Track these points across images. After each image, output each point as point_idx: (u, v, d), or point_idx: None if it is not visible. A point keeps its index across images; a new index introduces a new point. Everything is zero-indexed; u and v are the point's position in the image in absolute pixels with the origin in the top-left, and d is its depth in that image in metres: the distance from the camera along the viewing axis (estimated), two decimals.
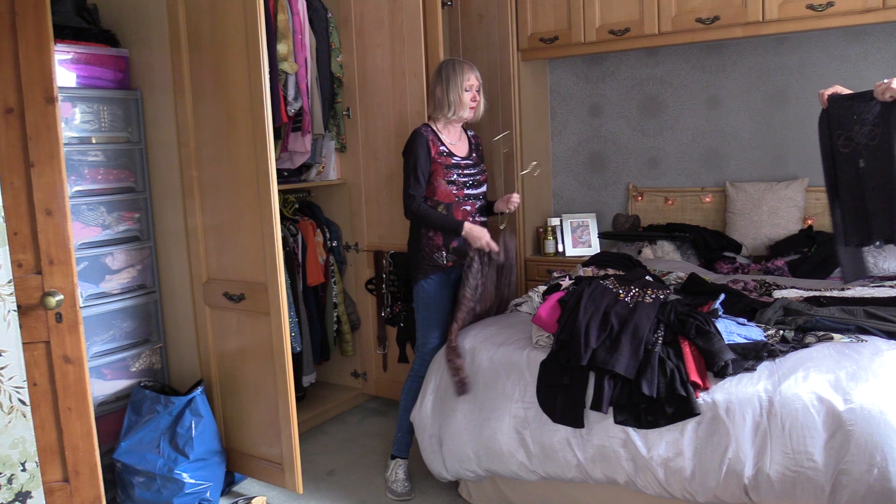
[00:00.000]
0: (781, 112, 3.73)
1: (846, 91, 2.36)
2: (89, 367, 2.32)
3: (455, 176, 2.88)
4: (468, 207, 2.91)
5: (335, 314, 3.66)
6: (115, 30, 2.92)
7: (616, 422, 2.23)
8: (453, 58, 3.01)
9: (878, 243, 2.41)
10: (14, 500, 1.82)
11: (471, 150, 3.00)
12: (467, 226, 2.82)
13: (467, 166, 2.93)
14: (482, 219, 2.99)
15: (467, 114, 2.89)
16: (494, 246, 2.84)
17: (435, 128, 2.92)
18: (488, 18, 3.93)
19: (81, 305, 2.39)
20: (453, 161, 2.89)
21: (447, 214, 2.87)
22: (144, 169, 2.94)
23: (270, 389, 2.66)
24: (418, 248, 2.90)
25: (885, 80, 2.22)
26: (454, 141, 2.95)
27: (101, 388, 2.81)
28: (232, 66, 2.56)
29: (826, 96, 2.39)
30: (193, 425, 2.69)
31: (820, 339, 2.29)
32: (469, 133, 3.05)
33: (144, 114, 2.92)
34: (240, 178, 2.61)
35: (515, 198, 2.99)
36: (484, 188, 3.01)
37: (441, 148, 2.88)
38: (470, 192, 2.92)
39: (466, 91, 2.86)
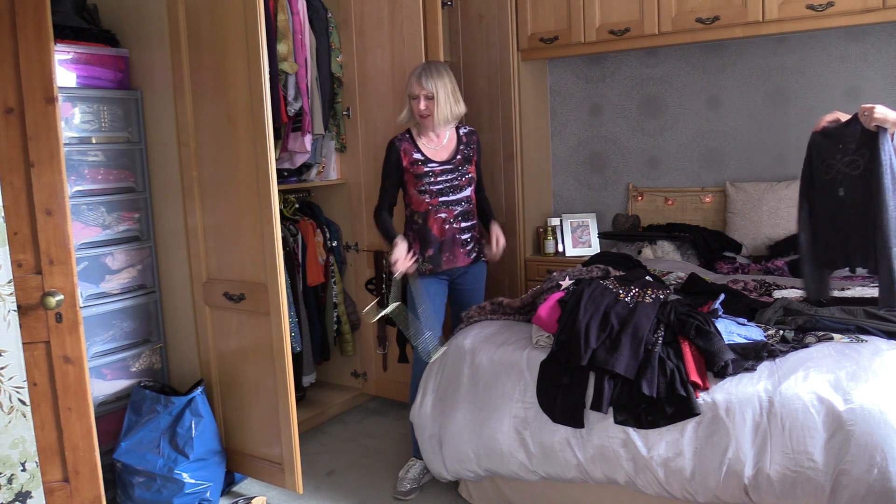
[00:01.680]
0: (781, 112, 3.73)
1: (845, 117, 2.35)
2: (89, 367, 2.32)
3: (426, 185, 2.87)
4: (444, 215, 2.89)
5: (335, 314, 3.66)
6: (115, 30, 2.92)
7: (616, 422, 2.23)
8: (430, 61, 3.01)
9: (858, 270, 2.41)
10: (14, 500, 1.82)
11: (455, 153, 2.94)
12: (395, 242, 2.84)
13: (443, 172, 2.89)
14: (466, 223, 2.96)
15: (415, 120, 2.90)
16: (399, 265, 2.80)
17: (414, 133, 2.93)
18: (488, 18, 3.93)
19: (81, 305, 2.39)
20: (426, 169, 2.87)
21: (389, 226, 2.92)
22: (144, 169, 2.94)
23: (270, 389, 2.66)
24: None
25: (869, 105, 2.19)
26: (436, 145, 2.93)
27: (101, 388, 2.81)
28: (232, 66, 2.56)
29: (822, 125, 2.39)
30: (193, 425, 2.69)
31: (820, 339, 2.29)
32: (461, 131, 3.00)
33: (144, 114, 2.92)
34: (240, 178, 2.61)
35: (500, 244, 3.00)
36: (466, 192, 2.95)
37: (415, 156, 2.89)
38: (446, 199, 2.90)
39: (413, 99, 2.86)
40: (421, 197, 2.88)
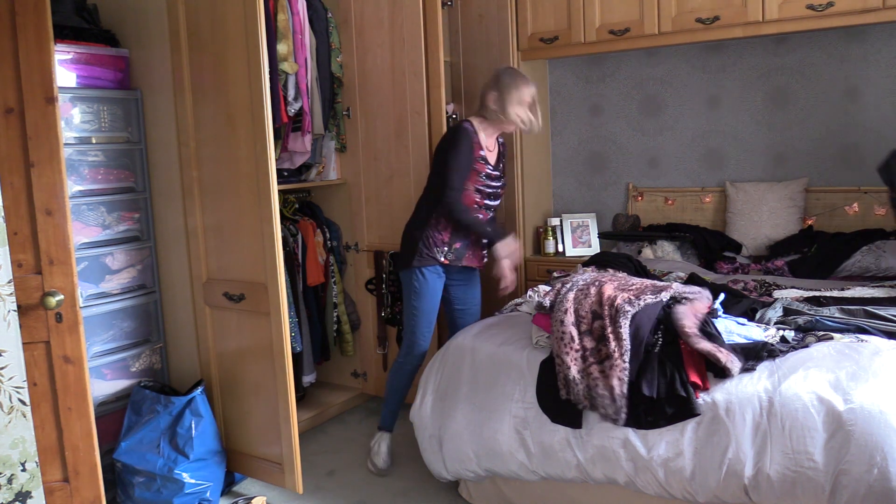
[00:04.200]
0: (781, 112, 3.73)
1: None
2: (89, 367, 2.32)
3: (483, 185, 2.88)
4: (481, 216, 2.93)
5: (335, 314, 3.66)
6: (115, 30, 2.92)
7: None
8: (512, 67, 3.05)
9: None
10: (14, 500, 1.82)
11: (498, 160, 2.99)
12: (506, 240, 2.87)
13: (494, 177, 2.94)
14: None
15: (513, 128, 2.91)
16: (506, 276, 2.88)
17: (476, 127, 2.90)
18: (488, 18, 3.93)
19: (81, 305, 2.39)
20: (487, 169, 2.89)
21: (487, 225, 2.90)
22: (144, 169, 2.94)
23: (270, 389, 2.66)
24: (420, 237, 2.89)
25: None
26: (490, 148, 2.94)
27: (101, 388, 2.81)
28: (232, 66, 2.56)
29: None
30: (193, 425, 2.69)
31: (820, 339, 2.29)
32: (500, 140, 3.04)
33: (144, 114, 2.92)
34: (240, 178, 2.61)
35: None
36: (499, 202, 3.03)
37: (480, 152, 2.88)
38: (488, 202, 2.94)
39: (523, 105, 2.85)
40: (474, 195, 2.87)
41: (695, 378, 2.16)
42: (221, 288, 2.75)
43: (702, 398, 2.14)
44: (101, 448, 2.31)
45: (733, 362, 2.12)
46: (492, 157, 2.94)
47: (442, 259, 2.91)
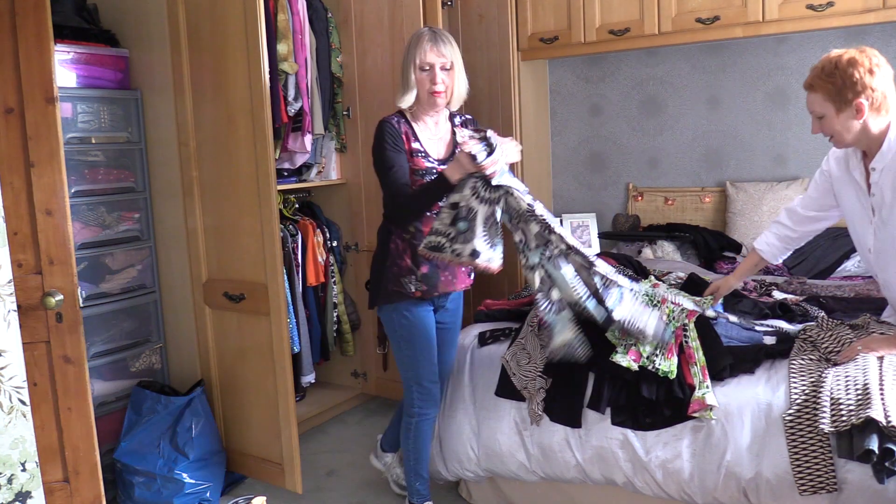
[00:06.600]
0: (781, 112, 3.72)
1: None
2: (89, 367, 2.32)
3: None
4: None
5: (335, 314, 3.66)
6: (115, 30, 2.93)
7: (614, 423, 2.24)
8: (427, 27, 2.40)
9: None
10: (14, 500, 1.83)
11: (454, 147, 2.34)
12: (447, 168, 2.13)
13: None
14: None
15: (427, 101, 2.24)
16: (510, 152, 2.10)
17: (409, 118, 2.32)
18: (488, 18, 3.93)
19: (81, 305, 2.39)
20: (427, 165, 2.29)
21: (425, 184, 2.23)
22: (144, 169, 2.94)
23: (270, 389, 2.67)
24: (383, 270, 2.35)
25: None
26: (432, 136, 2.33)
27: (101, 388, 2.81)
28: (232, 66, 2.56)
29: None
30: (193, 425, 2.69)
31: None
32: (456, 121, 2.40)
33: (144, 114, 2.92)
34: (240, 178, 2.61)
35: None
36: None
37: (414, 146, 2.27)
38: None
39: (423, 70, 2.20)
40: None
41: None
42: (221, 288, 2.75)
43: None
44: (101, 448, 2.31)
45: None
46: (436, 148, 2.31)
47: (412, 291, 2.32)
